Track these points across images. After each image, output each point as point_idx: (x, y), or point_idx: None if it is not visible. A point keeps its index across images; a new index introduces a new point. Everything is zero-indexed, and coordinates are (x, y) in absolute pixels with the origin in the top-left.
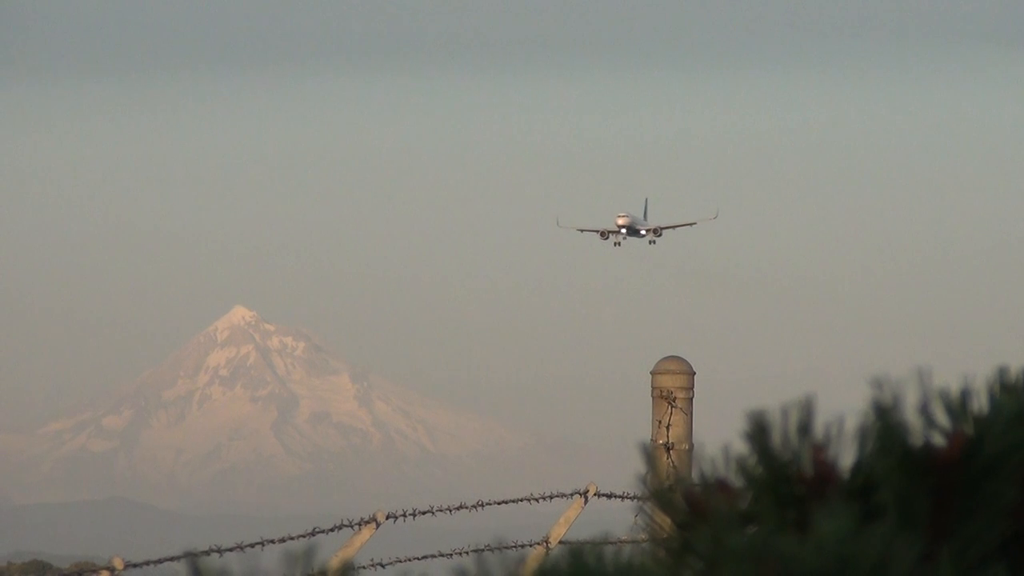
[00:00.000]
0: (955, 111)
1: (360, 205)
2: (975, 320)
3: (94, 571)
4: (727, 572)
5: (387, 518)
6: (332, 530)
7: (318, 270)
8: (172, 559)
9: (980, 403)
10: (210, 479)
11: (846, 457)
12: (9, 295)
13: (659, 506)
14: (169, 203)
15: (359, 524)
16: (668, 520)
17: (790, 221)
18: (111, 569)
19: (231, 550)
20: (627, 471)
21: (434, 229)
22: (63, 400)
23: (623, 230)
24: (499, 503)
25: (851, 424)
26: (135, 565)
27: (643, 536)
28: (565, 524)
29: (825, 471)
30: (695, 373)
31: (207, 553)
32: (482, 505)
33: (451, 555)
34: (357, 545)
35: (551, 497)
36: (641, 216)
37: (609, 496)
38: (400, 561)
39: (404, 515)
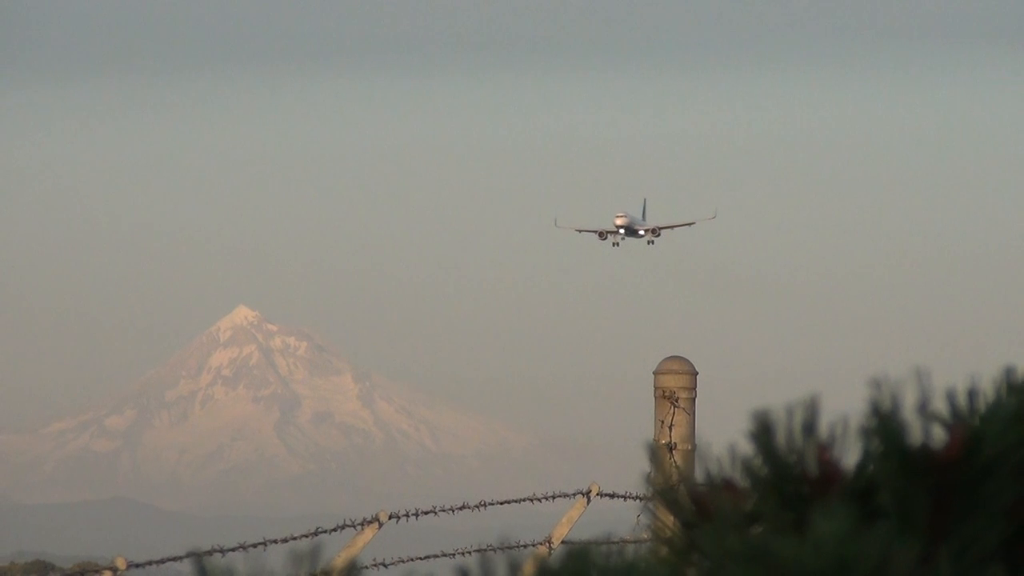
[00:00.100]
0: (955, 111)
1: (362, 205)
2: (975, 320)
3: (97, 571)
4: (731, 572)
5: (390, 518)
6: (335, 530)
7: (321, 270)
8: (175, 559)
9: (987, 403)
10: (213, 479)
11: (851, 457)
12: (12, 295)
13: (665, 505)
14: (172, 203)
15: (362, 524)
16: (673, 519)
17: (789, 221)
18: (114, 569)
19: (234, 550)
20: (630, 471)
21: (436, 229)
22: (66, 400)
23: (621, 230)
24: (502, 503)
25: (855, 423)
26: (138, 565)
27: (646, 536)
28: (568, 524)
29: (829, 471)
30: (698, 373)
31: (210, 553)
32: (485, 505)
33: (454, 555)
34: (360, 545)
35: (554, 497)
36: (640, 216)
37: (612, 496)
38: (403, 561)
39: (407, 515)
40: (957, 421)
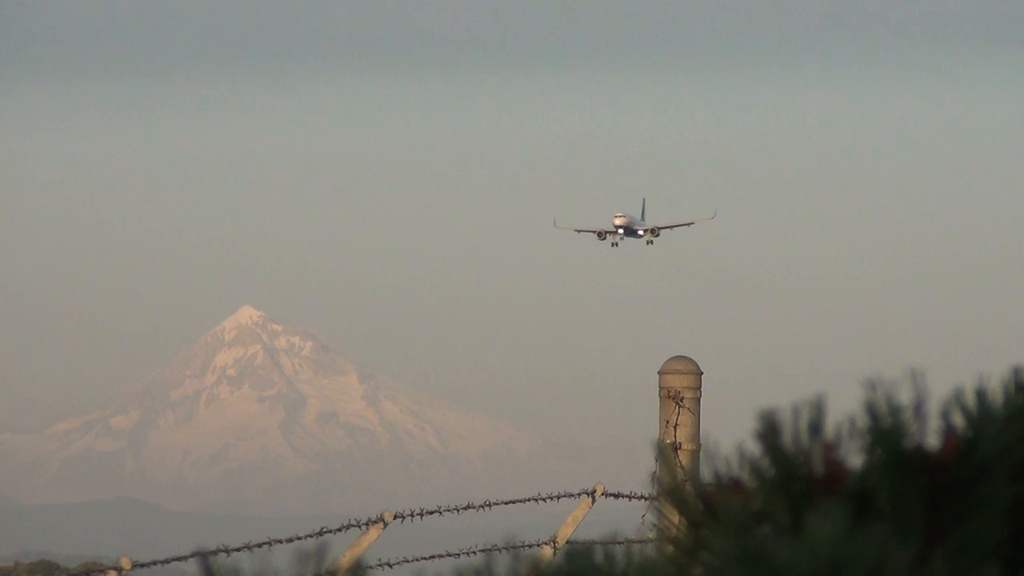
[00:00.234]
0: (955, 111)
1: (367, 205)
2: (978, 319)
3: (101, 571)
4: (728, 573)
5: (395, 518)
6: (340, 530)
7: (325, 270)
8: (180, 559)
9: (983, 404)
10: (217, 479)
11: (857, 457)
12: (16, 295)
13: (673, 504)
14: (177, 204)
15: (367, 524)
16: (679, 518)
17: (789, 221)
18: (119, 569)
19: (239, 550)
20: (635, 471)
21: (440, 229)
22: (71, 400)
23: (620, 230)
24: (506, 503)
25: (860, 424)
26: (142, 565)
27: (651, 535)
28: (573, 524)
29: (836, 471)
30: (702, 373)
31: (215, 553)
32: (489, 505)
33: (459, 555)
34: (365, 545)
35: (558, 497)
36: (639, 216)
37: (616, 496)
38: (408, 561)
39: (412, 515)
40: (952, 422)
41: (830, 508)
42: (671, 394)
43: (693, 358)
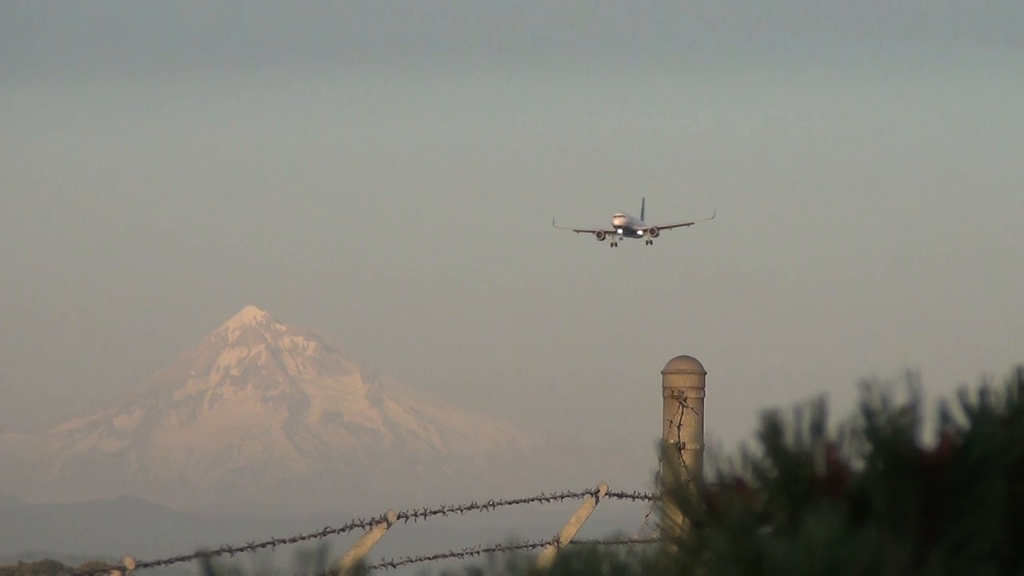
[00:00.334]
0: (954, 111)
1: (370, 205)
2: (980, 318)
3: (105, 571)
4: (732, 572)
5: (398, 518)
6: (343, 530)
7: (329, 270)
8: (183, 559)
9: (995, 403)
10: (221, 479)
11: (858, 457)
12: (20, 296)
13: (676, 504)
14: (181, 203)
15: (370, 524)
16: (682, 518)
17: (788, 221)
18: (122, 569)
19: (242, 550)
20: (638, 471)
21: (444, 230)
22: (74, 400)
23: (619, 230)
24: (510, 503)
25: (857, 424)
26: (146, 565)
27: (655, 535)
28: (576, 524)
29: (837, 471)
30: (706, 373)
31: (218, 553)
32: (493, 505)
33: (462, 555)
34: (368, 545)
35: (562, 497)
36: (638, 216)
37: (620, 496)
38: (411, 561)
39: (415, 515)
40: (948, 422)
41: (826, 508)
42: (675, 394)
43: (697, 358)
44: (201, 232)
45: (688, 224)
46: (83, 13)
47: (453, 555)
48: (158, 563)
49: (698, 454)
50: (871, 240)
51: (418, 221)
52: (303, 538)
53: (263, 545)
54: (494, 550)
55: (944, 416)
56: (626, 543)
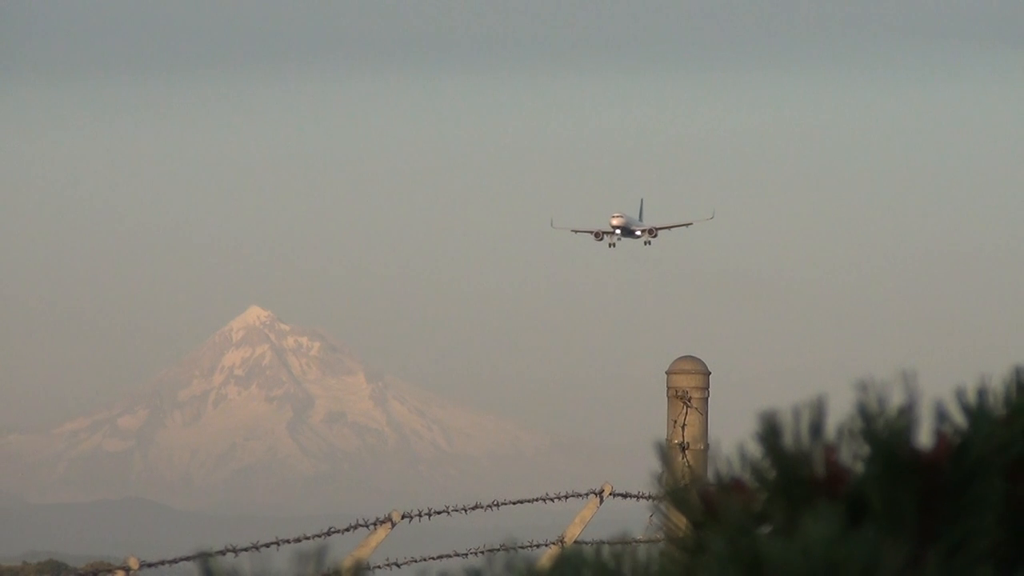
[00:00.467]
0: (955, 111)
1: (373, 205)
2: (980, 318)
3: (109, 571)
4: (729, 572)
5: (402, 518)
6: (347, 530)
7: (333, 270)
8: (187, 559)
9: (993, 403)
10: (225, 479)
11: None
12: (23, 296)
13: (675, 505)
14: (185, 203)
15: (374, 524)
16: (683, 520)
17: (788, 221)
18: (126, 569)
19: (246, 550)
20: (643, 471)
21: (447, 229)
22: (78, 400)
23: (617, 231)
24: (514, 503)
25: (854, 425)
26: (150, 565)
27: (659, 536)
28: (580, 524)
29: (836, 472)
30: (710, 373)
31: (223, 553)
32: (497, 505)
33: (466, 555)
34: (372, 545)
35: (566, 497)
36: (636, 216)
37: (624, 496)
38: (415, 561)
39: (419, 515)
40: (944, 422)
41: (824, 509)
42: (679, 394)
43: (701, 358)
44: (205, 232)
45: (687, 224)
46: (84, 13)
47: (457, 555)
48: (162, 563)
49: (702, 454)
50: (870, 240)
51: (421, 221)
52: (307, 538)
53: (267, 545)
54: (498, 550)
55: (941, 416)
56: (631, 543)
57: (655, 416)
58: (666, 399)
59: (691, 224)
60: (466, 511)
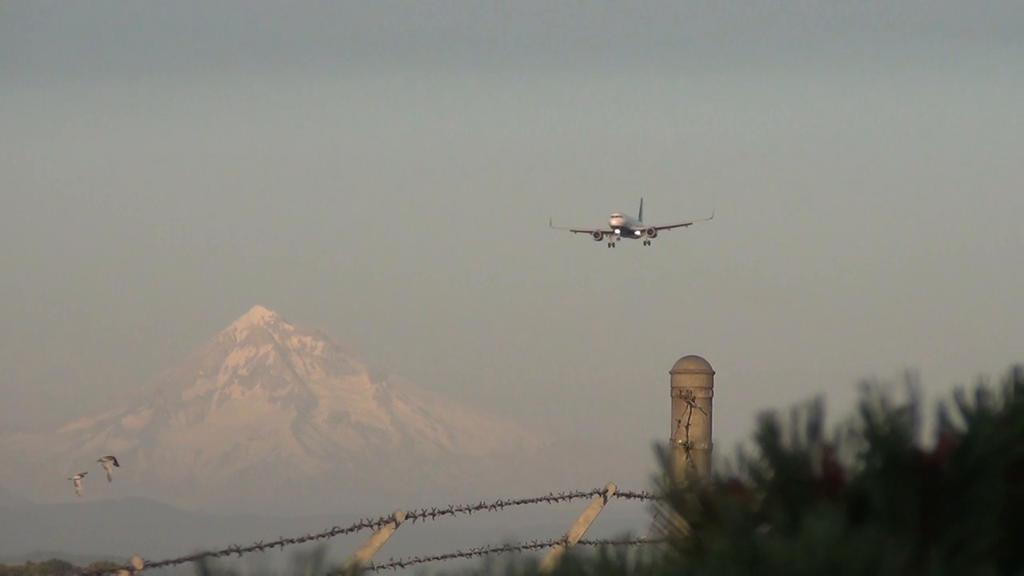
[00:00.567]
0: (955, 111)
1: (377, 205)
2: (980, 317)
3: (113, 571)
4: (732, 572)
5: (406, 518)
6: (352, 530)
7: (337, 270)
8: (191, 559)
9: (995, 402)
10: (229, 479)
11: (856, 458)
12: (27, 296)
13: (673, 506)
14: (188, 204)
15: (378, 524)
16: (683, 520)
17: (788, 221)
18: (130, 569)
19: (250, 550)
20: (646, 471)
21: (451, 229)
22: (82, 400)
23: (617, 231)
24: (518, 503)
25: (856, 425)
26: (154, 565)
27: (660, 536)
28: (584, 524)
29: (834, 472)
30: (714, 373)
31: (226, 553)
32: (501, 505)
33: (470, 555)
34: (376, 545)
35: (570, 497)
36: (636, 216)
37: (628, 496)
38: (419, 560)
39: (423, 515)
40: (947, 423)
41: (826, 508)
42: (683, 394)
43: (705, 358)
44: (209, 232)
45: (686, 224)
46: (85, 13)
47: (461, 555)
48: (166, 563)
49: (706, 454)
50: (869, 240)
51: (425, 221)
52: (311, 538)
53: (271, 545)
54: (501, 551)
55: (943, 416)
56: (636, 543)
57: (659, 416)
58: (670, 399)
59: (691, 224)
60: (470, 511)
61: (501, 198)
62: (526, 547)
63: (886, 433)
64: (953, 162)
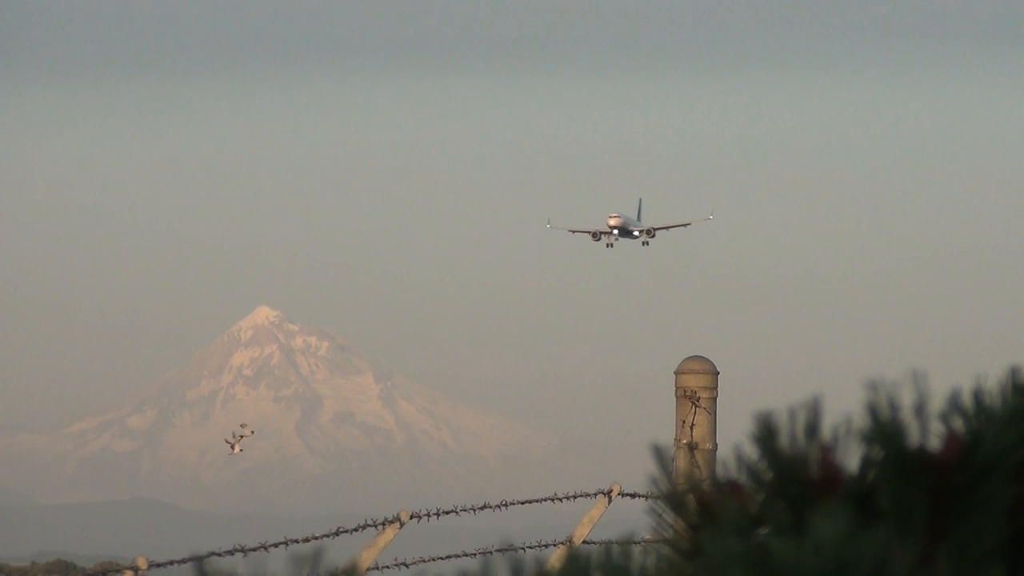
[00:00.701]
0: (955, 111)
1: (381, 206)
2: (981, 318)
3: (118, 571)
4: (737, 572)
5: (411, 518)
6: (356, 530)
7: (342, 270)
8: (196, 559)
9: (986, 403)
10: (234, 479)
11: (855, 458)
12: (32, 296)
13: (671, 508)
14: (193, 204)
15: (383, 524)
16: (681, 522)
17: (788, 221)
18: (135, 569)
19: (254, 550)
20: (651, 471)
21: (456, 229)
22: (87, 400)
23: (615, 231)
24: (523, 503)
25: (858, 425)
26: (159, 565)
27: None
28: (589, 524)
29: (832, 472)
30: (719, 373)
31: (231, 553)
32: (506, 505)
33: (475, 555)
34: (381, 545)
35: (575, 497)
36: (634, 217)
37: (633, 496)
38: (424, 561)
39: (428, 515)
40: (954, 423)
41: (833, 508)
42: (687, 394)
43: (710, 358)
44: (214, 232)
45: (685, 225)
46: (86, 14)
47: (465, 555)
48: (171, 563)
49: (710, 454)
50: (869, 240)
51: (429, 221)
52: (315, 538)
53: (275, 545)
54: (505, 551)
55: (950, 416)
56: (640, 543)
57: (663, 416)
58: (674, 399)
59: (689, 224)
60: (474, 511)
61: (502, 198)
62: (530, 547)
63: (894, 433)
64: (954, 162)
